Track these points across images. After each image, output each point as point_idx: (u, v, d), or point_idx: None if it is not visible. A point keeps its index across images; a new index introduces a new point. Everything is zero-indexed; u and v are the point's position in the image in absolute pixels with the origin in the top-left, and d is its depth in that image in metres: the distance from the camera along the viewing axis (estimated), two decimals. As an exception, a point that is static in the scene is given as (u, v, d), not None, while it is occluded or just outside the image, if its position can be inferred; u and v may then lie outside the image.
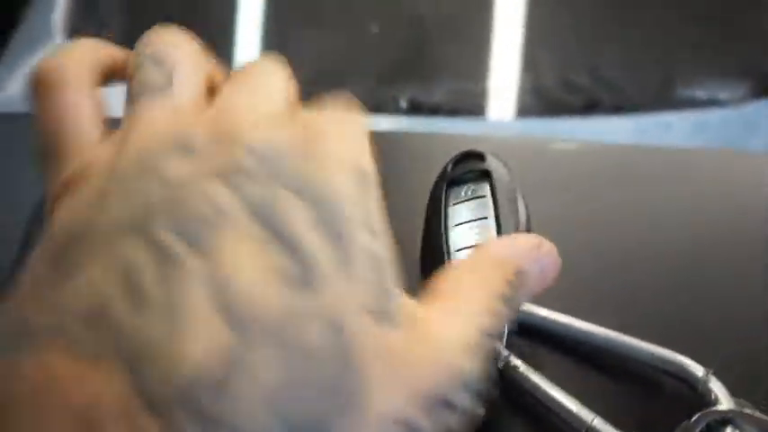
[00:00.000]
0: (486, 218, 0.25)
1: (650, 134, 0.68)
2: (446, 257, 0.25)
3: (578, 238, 0.33)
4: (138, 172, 0.11)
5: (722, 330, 0.26)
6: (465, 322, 0.13)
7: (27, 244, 0.30)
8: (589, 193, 0.35)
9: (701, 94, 0.71)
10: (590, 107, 0.72)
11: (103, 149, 0.12)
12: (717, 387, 0.20)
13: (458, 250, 0.25)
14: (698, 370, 0.20)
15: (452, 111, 0.77)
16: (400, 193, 0.27)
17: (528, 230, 0.26)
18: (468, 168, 0.27)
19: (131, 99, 0.13)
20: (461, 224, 0.26)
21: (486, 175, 0.27)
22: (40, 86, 0.14)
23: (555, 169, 0.37)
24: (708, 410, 0.19)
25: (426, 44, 0.83)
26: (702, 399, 0.20)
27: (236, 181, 0.11)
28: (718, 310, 0.27)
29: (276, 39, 0.89)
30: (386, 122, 0.71)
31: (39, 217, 0.28)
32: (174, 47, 0.14)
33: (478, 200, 0.26)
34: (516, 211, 0.26)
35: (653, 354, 0.22)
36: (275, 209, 0.11)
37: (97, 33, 0.96)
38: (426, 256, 0.26)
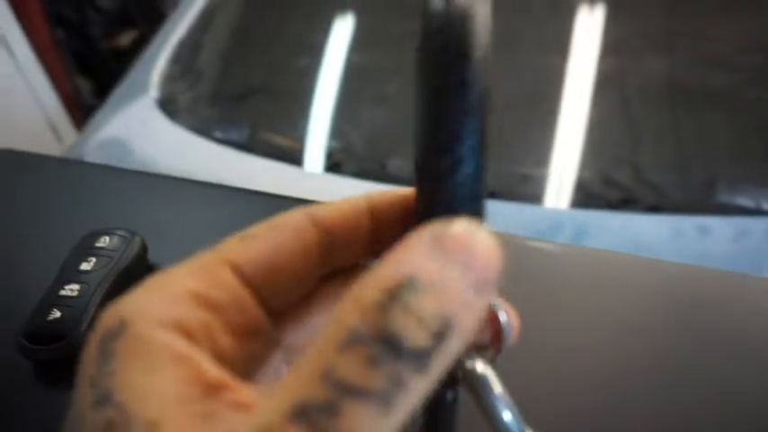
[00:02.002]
0: None
1: (687, 236, 0.67)
2: None
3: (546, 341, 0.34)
4: None
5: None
6: (278, 398, 0.10)
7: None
8: (561, 296, 0.36)
9: (743, 201, 0.70)
10: (627, 203, 0.73)
11: None
12: None
13: None
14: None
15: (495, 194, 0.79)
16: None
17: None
18: None
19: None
20: None
21: None
22: None
23: (533, 270, 0.38)
24: None
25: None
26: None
27: None
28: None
29: (346, 111, 0.97)
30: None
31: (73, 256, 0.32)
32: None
33: None
34: None
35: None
36: None
37: (190, 88, 1.09)
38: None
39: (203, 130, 0.97)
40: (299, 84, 1.06)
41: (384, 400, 0.10)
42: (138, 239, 0.35)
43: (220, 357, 0.13)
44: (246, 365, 0.15)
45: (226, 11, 1.25)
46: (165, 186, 0.44)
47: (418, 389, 0.11)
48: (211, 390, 0.12)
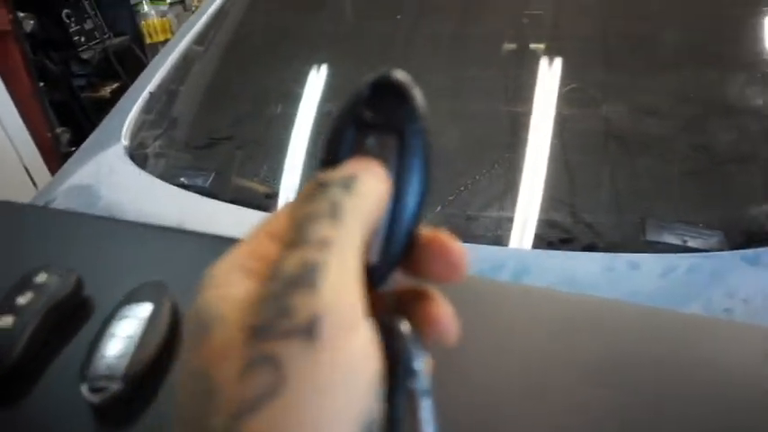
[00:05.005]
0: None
1: (619, 272, 0.71)
2: None
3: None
4: None
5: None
6: None
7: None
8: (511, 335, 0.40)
9: (671, 239, 0.75)
10: (565, 242, 0.78)
11: None
12: None
13: None
14: None
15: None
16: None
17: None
18: (382, 107, 0.22)
19: None
20: None
21: (398, 130, 0.22)
22: None
23: (475, 306, 0.42)
24: None
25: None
26: None
27: None
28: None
29: (312, 157, 1.02)
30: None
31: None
32: None
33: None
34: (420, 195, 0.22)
35: None
36: None
37: (159, 136, 1.13)
38: None
39: (170, 176, 1.01)
40: (267, 131, 1.11)
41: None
42: (74, 275, 0.38)
43: None
44: None
45: (199, 63, 1.31)
46: (108, 227, 0.47)
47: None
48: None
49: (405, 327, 0.21)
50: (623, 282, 0.70)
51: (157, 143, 1.11)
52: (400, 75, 0.22)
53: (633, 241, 0.76)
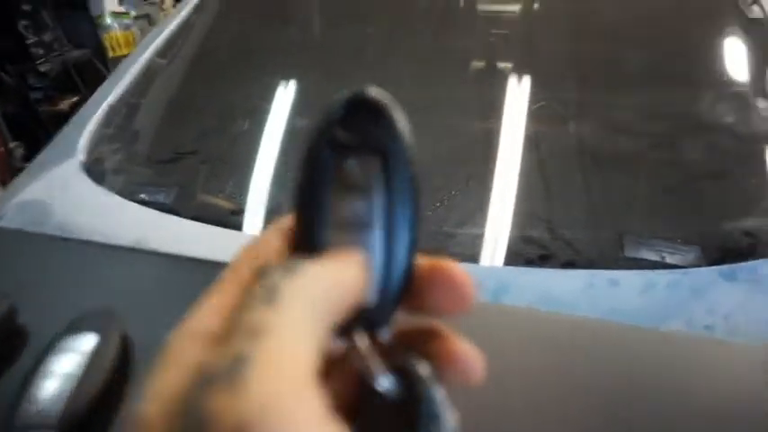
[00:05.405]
0: (372, 225, 0.20)
1: (598, 289, 0.70)
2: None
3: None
4: None
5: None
6: None
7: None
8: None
9: (649, 255, 0.74)
10: (544, 259, 0.76)
11: None
12: None
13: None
14: None
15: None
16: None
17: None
18: (359, 126, 0.20)
19: None
20: (337, 227, 0.20)
21: (379, 150, 0.20)
22: None
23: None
24: None
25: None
26: None
27: None
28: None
29: (279, 173, 0.98)
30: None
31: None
32: None
33: (367, 192, 0.20)
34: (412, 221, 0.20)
35: None
36: None
37: (118, 151, 1.08)
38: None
39: (130, 192, 0.95)
40: (232, 147, 1.07)
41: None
42: (5, 302, 0.33)
43: None
44: None
45: (162, 76, 1.26)
46: (53, 247, 0.43)
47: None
48: None
49: (424, 369, 0.19)
50: (604, 299, 0.68)
51: (117, 157, 1.05)
52: (375, 92, 0.20)
53: (612, 258, 0.75)
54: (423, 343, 0.21)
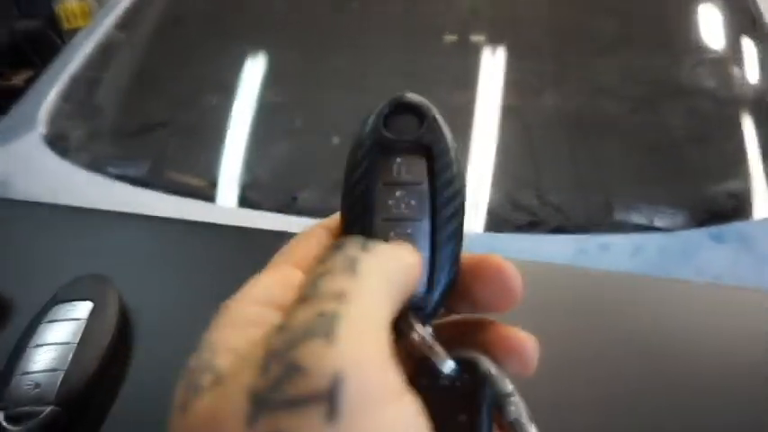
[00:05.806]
0: (419, 220, 0.21)
1: (590, 254, 0.70)
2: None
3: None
4: None
5: None
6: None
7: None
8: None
9: (638, 219, 0.74)
10: (534, 225, 0.75)
11: None
12: None
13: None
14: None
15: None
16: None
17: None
18: (403, 128, 0.22)
19: None
20: (385, 222, 0.21)
21: (425, 150, 0.22)
22: None
23: None
24: None
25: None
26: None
27: None
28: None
29: (254, 146, 0.94)
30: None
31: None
32: None
33: (414, 188, 0.22)
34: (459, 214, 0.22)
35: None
36: None
37: (84, 123, 1.02)
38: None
39: (98, 166, 0.90)
40: (203, 119, 1.02)
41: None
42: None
43: None
44: None
45: (127, 47, 1.19)
46: (31, 213, 0.39)
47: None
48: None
49: (485, 360, 0.19)
50: (596, 263, 0.68)
51: (83, 131, 0.99)
52: (415, 96, 0.23)
53: (601, 222, 0.75)
54: (469, 335, 0.21)
